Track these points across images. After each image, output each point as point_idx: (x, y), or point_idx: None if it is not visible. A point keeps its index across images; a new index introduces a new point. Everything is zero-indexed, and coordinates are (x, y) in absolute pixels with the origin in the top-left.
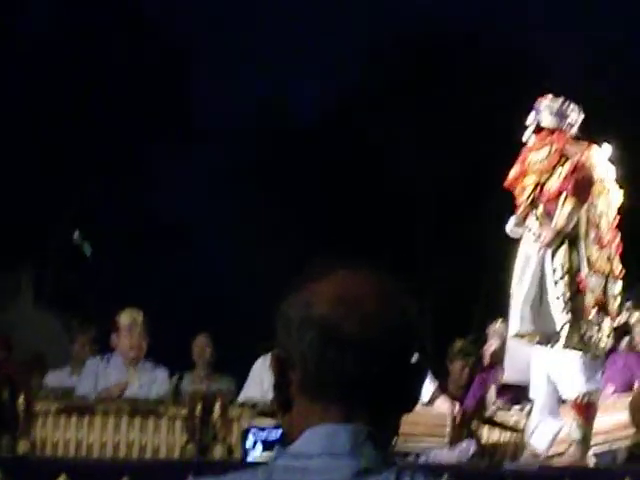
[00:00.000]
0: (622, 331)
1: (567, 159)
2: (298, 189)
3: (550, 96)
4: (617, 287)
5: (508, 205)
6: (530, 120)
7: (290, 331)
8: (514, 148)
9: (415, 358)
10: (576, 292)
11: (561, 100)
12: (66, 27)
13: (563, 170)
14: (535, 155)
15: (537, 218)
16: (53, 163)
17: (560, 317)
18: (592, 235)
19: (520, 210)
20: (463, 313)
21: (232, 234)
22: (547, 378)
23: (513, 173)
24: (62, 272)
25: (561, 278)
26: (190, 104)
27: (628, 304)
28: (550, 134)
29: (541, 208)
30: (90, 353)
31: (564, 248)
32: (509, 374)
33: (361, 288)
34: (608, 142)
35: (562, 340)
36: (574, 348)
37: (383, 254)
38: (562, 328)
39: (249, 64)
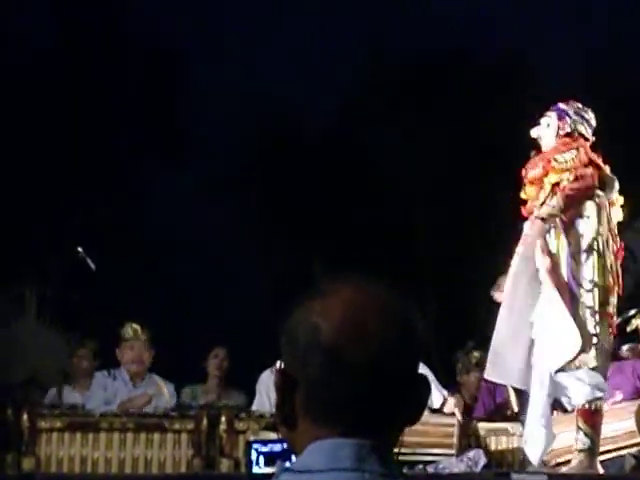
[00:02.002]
0: (622, 338)
1: (591, 164)
2: (297, 203)
3: (573, 102)
4: (616, 299)
5: (509, 215)
6: (552, 122)
7: (296, 352)
8: (513, 159)
9: (420, 372)
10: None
11: (581, 106)
12: (58, 43)
13: (586, 171)
14: (561, 156)
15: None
16: (52, 180)
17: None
18: (612, 246)
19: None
20: (465, 324)
21: (232, 248)
22: (544, 386)
23: (536, 172)
24: (65, 288)
25: (590, 290)
26: (184, 119)
27: (634, 311)
28: (574, 139)
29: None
30: (91, 368)
31: (593, 259)
32: (488, 372)
33: (367, 309)
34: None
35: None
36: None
37: (384, 267)
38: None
39: (246, 80)
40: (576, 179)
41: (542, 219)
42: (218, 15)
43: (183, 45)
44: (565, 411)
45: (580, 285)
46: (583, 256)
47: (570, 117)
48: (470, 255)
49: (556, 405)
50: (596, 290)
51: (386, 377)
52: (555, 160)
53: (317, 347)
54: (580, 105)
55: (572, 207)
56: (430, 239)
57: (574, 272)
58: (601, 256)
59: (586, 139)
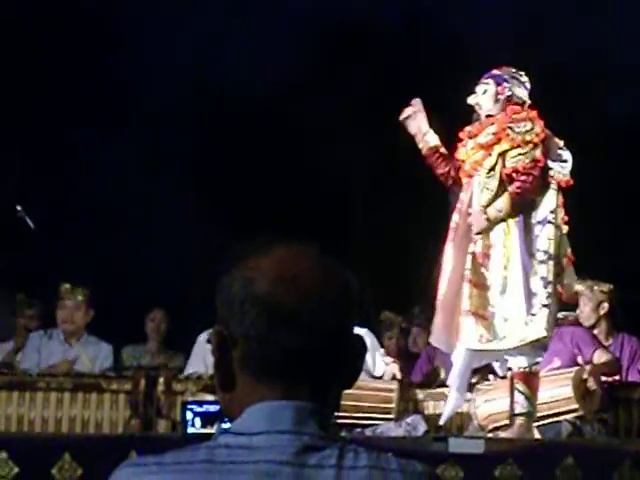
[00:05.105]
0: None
1: (546, 139)
2: (235, 169)
3: (506, 67)
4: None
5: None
6: (490, 88)
7: (232, 309)
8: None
9: (357, 333)
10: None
11: (515, 70)
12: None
13: (535, 153)
14: (517, 127)
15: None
16: None
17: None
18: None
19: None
20: (404, 287)
21: (169, 215)
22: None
23: (488, 139)
24: (6, 248)
25: (544, 261)
26: (121, 86)
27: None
28: (524, 108)
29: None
30: (34, 328)
31: (548, 231)
32: (433, 338)
33: (302, 264)
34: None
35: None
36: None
37: (319, 232)
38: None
39: (182, 47)
40: (525, 173)
41: (487, 219)
42: None
43: (117, 28)
44: (498, 377)
45: (533, 256)
46: (538, 227)
47: (507, 81)
48: (410, 215)
49: (488, 371)
50: (550, 262)
51: (322, 331)
52: (511, 129)
53: (252, 299)
54: (513, 69)
55: (521, 205)
56: (369, 201)
57: (526, 244)
58: (557, 227)
59: (524, 102)
